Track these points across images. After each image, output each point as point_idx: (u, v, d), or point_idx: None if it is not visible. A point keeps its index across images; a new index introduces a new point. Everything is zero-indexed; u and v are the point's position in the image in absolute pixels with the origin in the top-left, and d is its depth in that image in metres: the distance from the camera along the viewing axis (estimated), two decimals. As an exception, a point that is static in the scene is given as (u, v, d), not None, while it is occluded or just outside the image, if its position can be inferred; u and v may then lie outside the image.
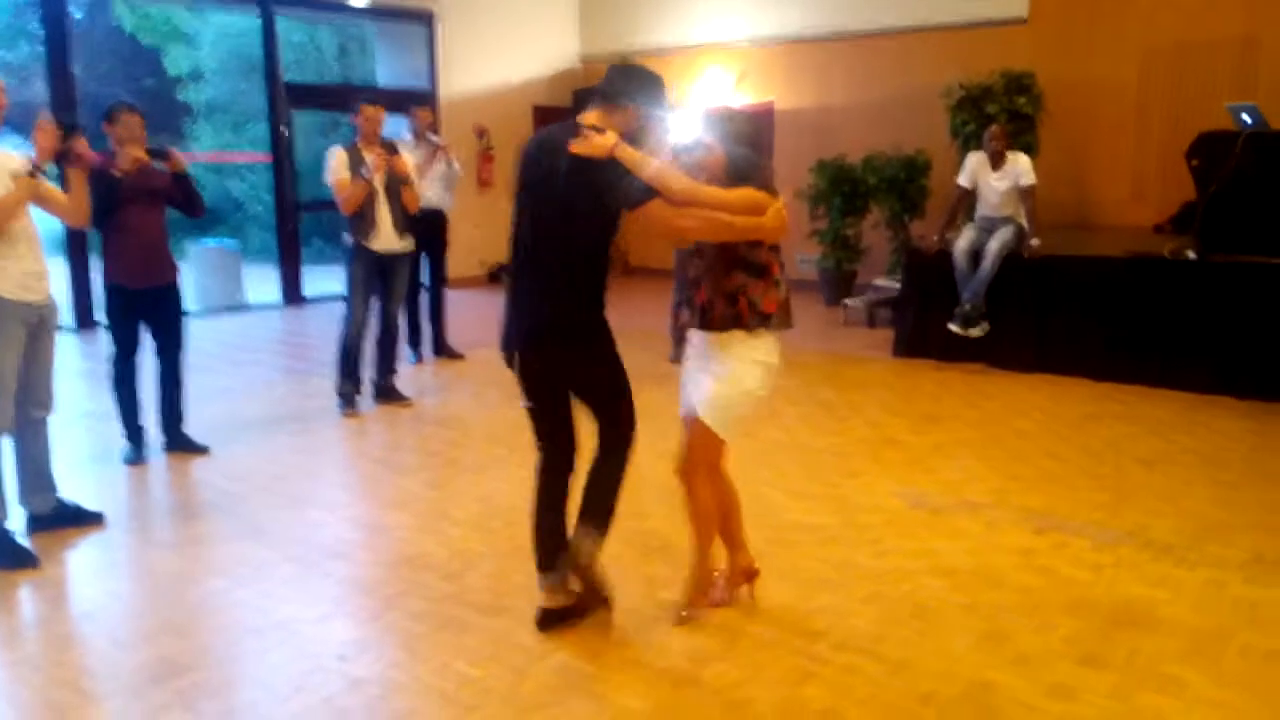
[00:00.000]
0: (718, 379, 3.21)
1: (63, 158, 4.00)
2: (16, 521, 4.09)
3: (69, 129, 4.00)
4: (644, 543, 4.00)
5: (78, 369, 7.75)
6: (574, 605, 3.31)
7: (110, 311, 5.07)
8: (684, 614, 3.34)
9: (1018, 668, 3.00)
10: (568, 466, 3.30)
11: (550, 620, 3.28)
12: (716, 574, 3.47)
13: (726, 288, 3.17)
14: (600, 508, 3.28)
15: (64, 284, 9.01)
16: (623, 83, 3.20)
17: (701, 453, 3.30)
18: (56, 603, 3.56)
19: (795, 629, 3.27)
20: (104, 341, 5.39)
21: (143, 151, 4.78)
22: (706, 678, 2.96)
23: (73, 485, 4.86)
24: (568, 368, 3.21)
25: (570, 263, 3.12)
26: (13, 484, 4.11)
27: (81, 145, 4.03)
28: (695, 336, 3.33)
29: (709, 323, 3.22)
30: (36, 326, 4.01)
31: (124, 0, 16.28)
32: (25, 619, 3.45)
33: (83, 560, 3.98)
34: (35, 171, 3.87)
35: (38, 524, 4.21)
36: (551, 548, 3.27)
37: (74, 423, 6.06)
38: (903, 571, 3.71)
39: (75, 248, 9.02)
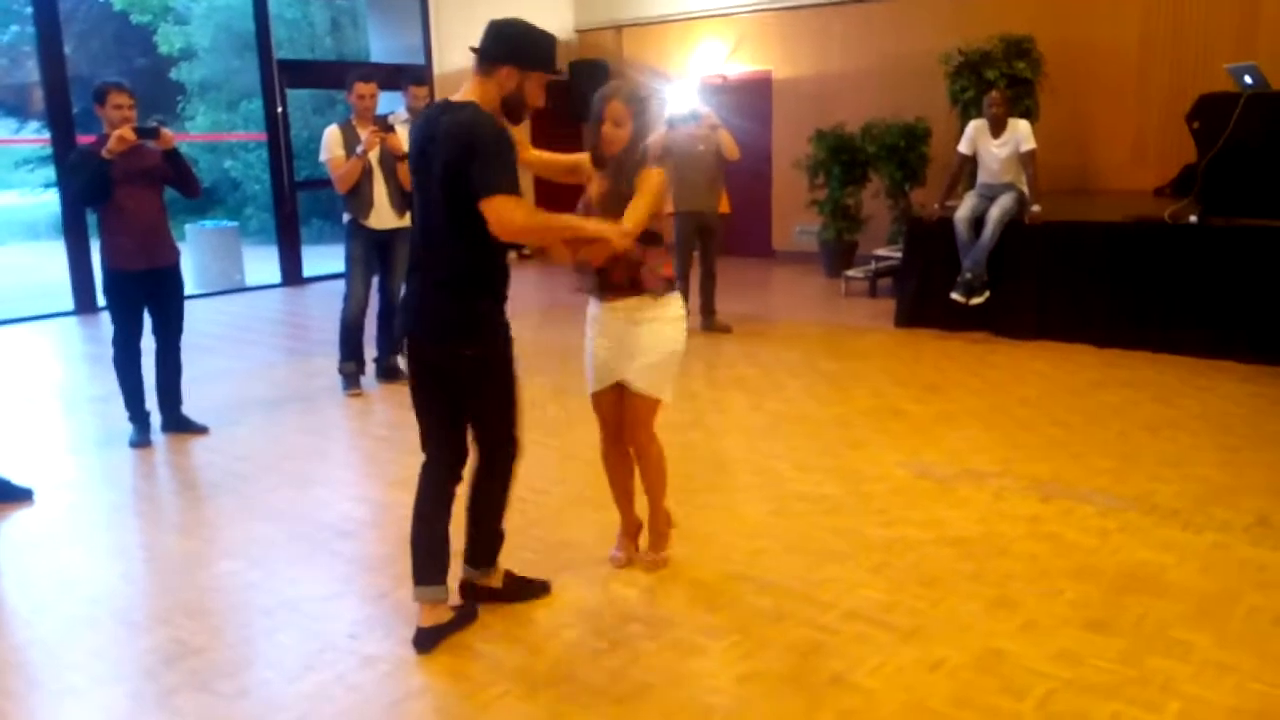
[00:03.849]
0: (641, 350, 3.30)
1: None
2: None
3: None
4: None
5: (80, 353, 7.76)
6: (454, 620, 3.09)
7: (110, 295, 5.05)
8: (659, 558, 3.55)
9: (1026, 634, 3.02)
10: (449, 475, 3.07)
11: (427, 640, 3.00)
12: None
13: (627, 258, 3.17)
14: (485, 545, 3.21)
15: (64, 268, 9.03)
16: (494, 43, 2.86)
17: (646, 417, 3.40)
18: (69, 586, 3.57)
19: (804, 599, 3.28)
20: (106, 325, 5.39)
21: (130, 130, 4.73)
22: (716, 649, 2.98)
23: (77, 469, 4.90)
24: (443, 365, 2.96)
25: (447, 253, 2.89)
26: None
27: None
28: (597, 308, 3.36)
29: (616, 292, 3.26)
30: None
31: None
32: (37, 602, 3.46)
33: (94, 543, 4.00)
34: None
35: None
36: (428, 560, 3.02)
37: (78, 407, 6.08)
38: (910, 541, 3.72)
39: (75, 231, 8.98)
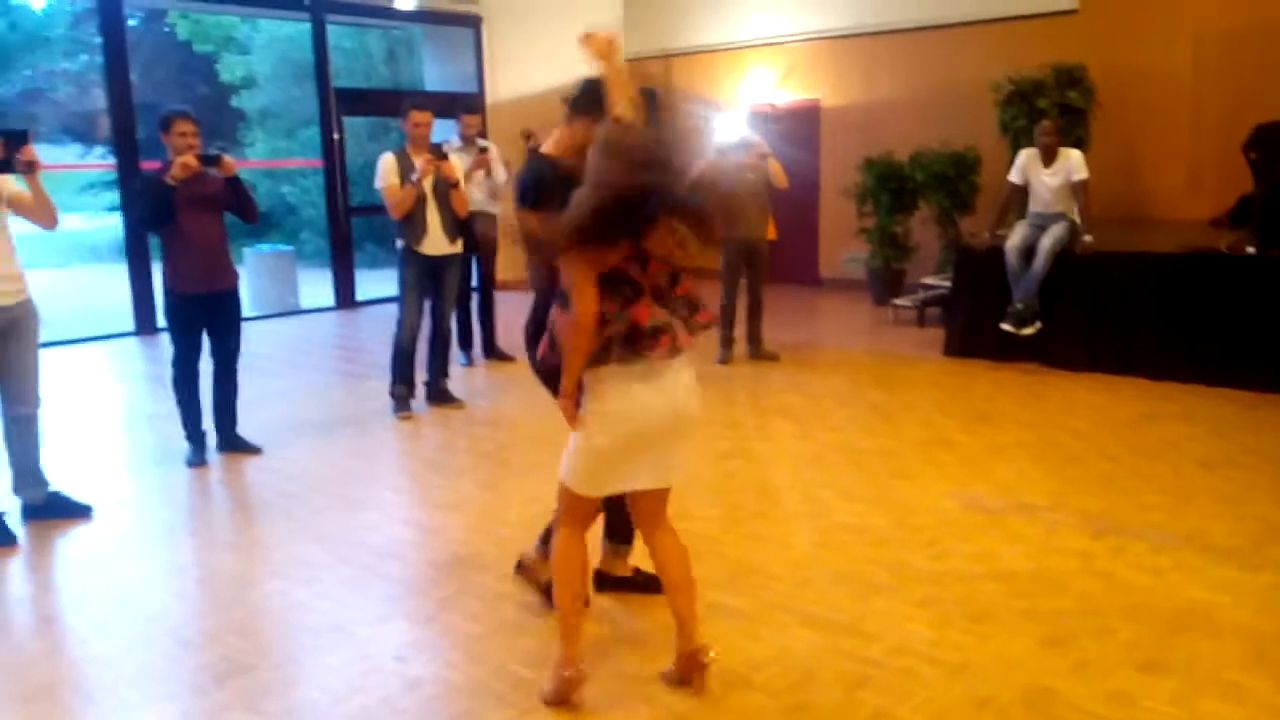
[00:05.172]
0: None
1: (7, 167, 4.08)
2: (7, 505, 4.40)
3: (13, 138, 4.07)
4: (693, 545, 3.99)
5: (140, 373, 7.95)
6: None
7: (170, 317, 5.17)
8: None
9: (1077, 673, 2.97)
10: None
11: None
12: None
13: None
14: (626, 522, 3.31)
15: (126, 290, 9.27)
16: (577, 96, 3.16)
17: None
18: (125, 602, 3.65)
19: (849, 632, 3.26)
20: (165, 346, 5.51)
21: (194, 158, 4.88)
22: (759, 681, 2.97)
23: (136, 487, 5.02)
24: None
25: None
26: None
27: (28, 153, 4.09)
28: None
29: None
30: (7, 328, 4.19)
31: (179, 9, 16.60)
32: (94, 618, 3.55)
33: (149, 560, 4.09)
34: None
35: (31, 513, 4.46)
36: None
37: (137, 425, 6.23)
38: (959, 575, 3.68)
39: (137, 255, 9.23)
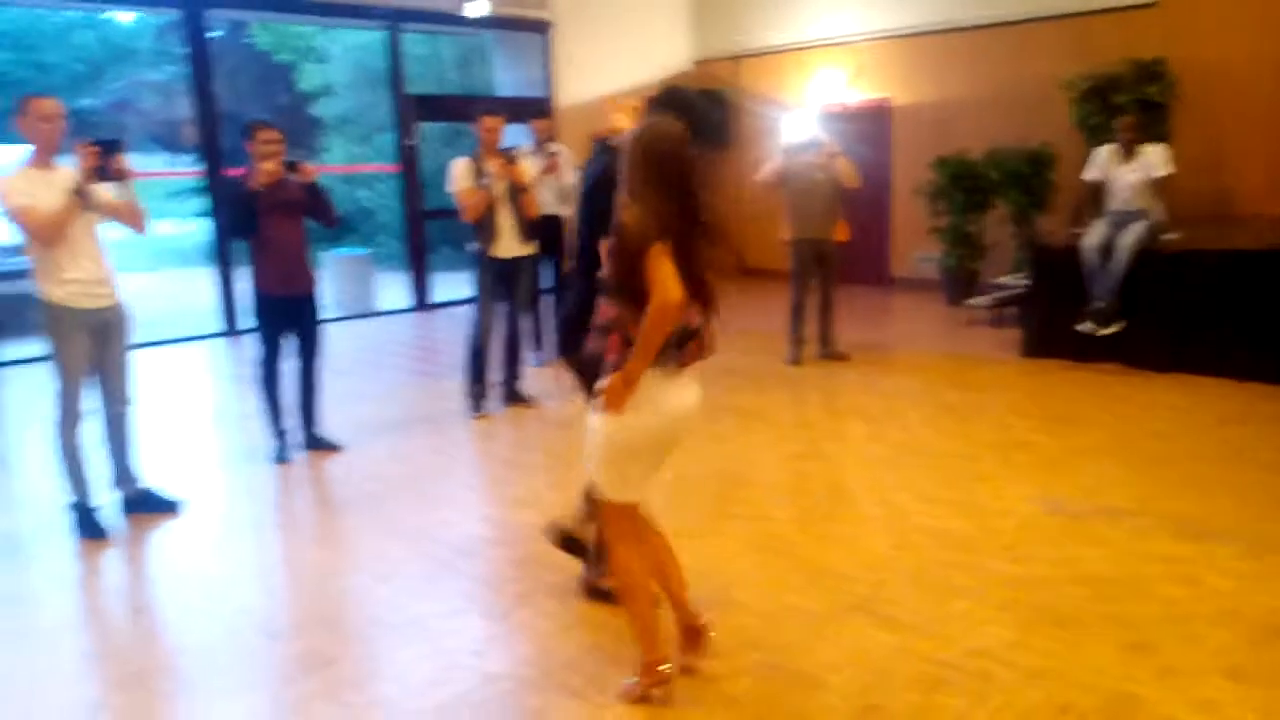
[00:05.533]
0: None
1: (102, 175, 4.23)
2: (105, 499, 4.56)
3: (108, 147, 4.23)
4: (768, 545, 4.01)
5: (227, 373, 8.19)
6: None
7: (256, 318, 5.35)
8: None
9: (1163, 680, 2.90)
10: None
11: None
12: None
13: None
14: None
15: (212, 292, 9.57)
16: (655, 101, 3.38)
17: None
18: (215, 594, 3.78)
19: (926, 634, 3.23)
20: (250, 347, 5.68)
21: (277, 165, 5.02)
22: (833, 682, 2.96)
23: (223, 483, 5.19)
24: None
25: None
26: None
27: (119, 161, 4.25)
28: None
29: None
30: (102, 330, 4.35)
31: (259, 20, 17.06)
32: (187, 608, 3.68)
33: (238, 554, 4.23)
34: (79, 190, 4.14)
35: (125, 508, 4.64)
36: None
37: (224, 424, 6.43)
38: (1039, 578, 3.62)
39: (222, 258, 9.52)
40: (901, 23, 10.71)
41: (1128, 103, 8.08)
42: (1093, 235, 6.90)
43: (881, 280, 11.24)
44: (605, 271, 2.76)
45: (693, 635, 3.07)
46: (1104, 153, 6.94)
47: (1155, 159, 6.69)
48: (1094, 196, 7.14)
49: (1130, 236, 6.70)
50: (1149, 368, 6.69)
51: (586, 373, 3.02)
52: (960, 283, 9.71)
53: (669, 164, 2.68)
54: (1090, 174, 7.00)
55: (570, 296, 3.28)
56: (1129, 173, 6.78)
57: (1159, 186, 6.69)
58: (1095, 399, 6.15)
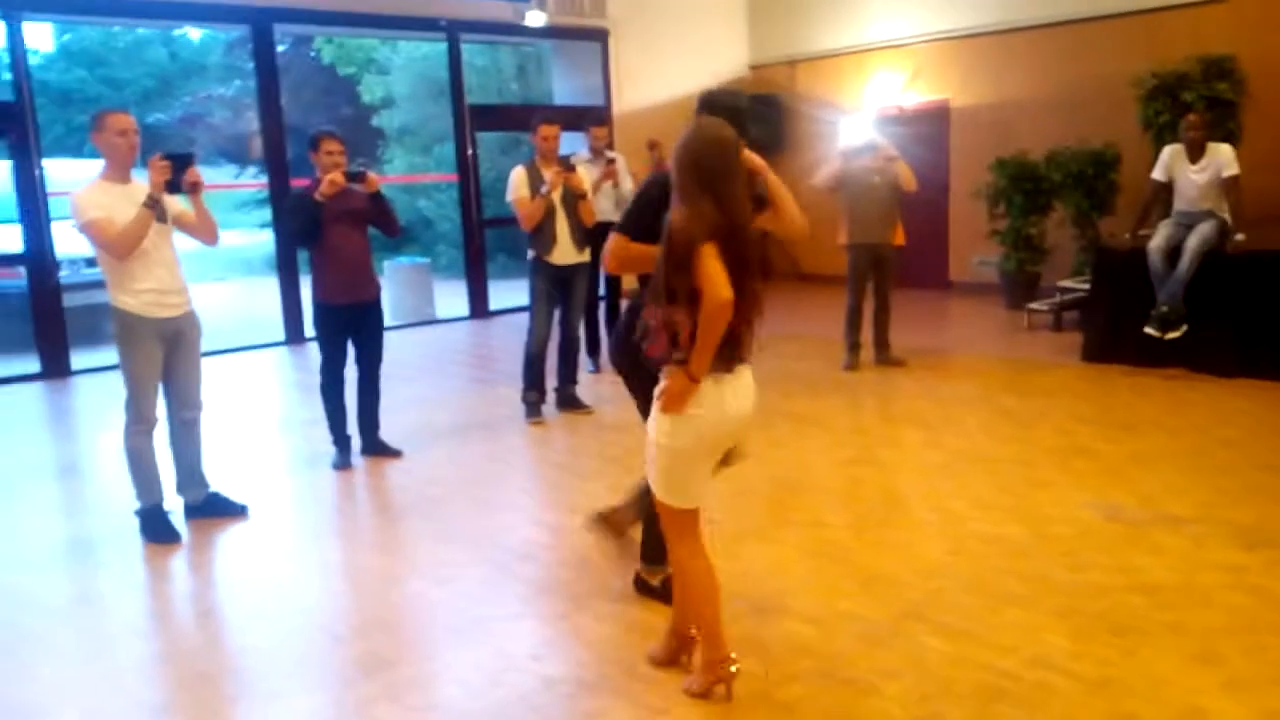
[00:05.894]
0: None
1: (174, 188, 4.35)
2: (173, 504, 4.69)
3: (180, 160, 4.35)
4: (823, 551, 4.00)
5: (290, 380, 8.39)
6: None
7: (319, 327, 5.46)
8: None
9: (1229, 692, 2.84)
10: None
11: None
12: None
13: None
14: (659, 544, 3.37)
15: (277, 301, 9.80)
16: (701, 104, 3.28)
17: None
18: (279, 597, 3.88)
19: (983, 643, 3.20)
20: (314, 355, 5.81)
21: (341, 175, 5.14)
22: (890, 691, 2.95)
23: (287, 488, 5.31)
24: None
25: None
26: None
27: (191, 174, 4.36)
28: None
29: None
30: (174, 338, 4.48)
31: (324, 34, 17.44)
32: (250, 611, 3.79)
33: (301, 558, 4.34)
34: (151, 203, 4.26)
35: (192, 513, 4.75)
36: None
37: (290, 430, 6.59)
38: (1100, 587, 3.56)
39: (287, 268, 9.75)
40: (960, 23, 10.61)
41: (1195, 100, 7.89)
42: (1158, 237, 6.75)
43: (939, 284, 11.11)
44: (653, 275, 2.80)
45: (682, 644, 3.13)
46: (1170, 152, 6.80)
47: (1224, 158, 6.54)
48: (1161, 197, 6.99)
49: (1197, 238, 6.55)
50: (1214, 373, 6.53)
51: (638, 378, 3.06)
52: (1020, 286, 9.57)
53: (713, 166, 2.73)
54: (1157, 174, 6.86)
55: (630, 304, 3.34)
56: (1196, 172, 6.63)
57: (1227, 186, 6.53)
58: (1157, 405, 6.02)
